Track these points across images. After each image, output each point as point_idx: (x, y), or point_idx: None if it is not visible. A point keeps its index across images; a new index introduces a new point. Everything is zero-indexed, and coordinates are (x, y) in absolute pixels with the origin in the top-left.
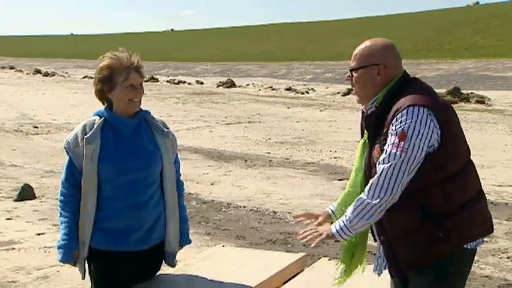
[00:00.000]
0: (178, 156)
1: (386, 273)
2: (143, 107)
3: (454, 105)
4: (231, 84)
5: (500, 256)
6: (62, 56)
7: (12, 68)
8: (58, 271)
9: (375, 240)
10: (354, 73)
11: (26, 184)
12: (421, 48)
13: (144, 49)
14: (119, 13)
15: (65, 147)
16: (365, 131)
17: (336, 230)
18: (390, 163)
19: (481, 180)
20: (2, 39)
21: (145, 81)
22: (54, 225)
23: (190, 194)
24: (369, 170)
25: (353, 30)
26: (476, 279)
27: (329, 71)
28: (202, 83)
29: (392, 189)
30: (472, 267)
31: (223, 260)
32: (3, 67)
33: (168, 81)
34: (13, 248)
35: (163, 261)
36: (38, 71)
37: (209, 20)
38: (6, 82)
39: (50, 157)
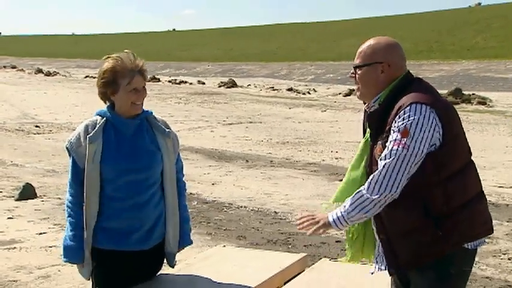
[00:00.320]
0: (181, 156)
1: (386, 273)
2: (144, 107)
3: (455, 106)
4: (233, 85)
5: (501, 257)
6: (64, 56)
7: (14, 67)
8: (59, 270)
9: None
10: (357, 70)
11: (28, 183)
12: (422, 49)
13: (146, 49)
14: (120, 13)
15: (67, 148)
16: (367, 129)
17: (333, 219)
18: (392, 159)
19: (482, 181)
20: (3, 38)
21: (147, 81)
22: (55, 224)
23: (191, 194)
24: (370, 167)
25: (355, 31)
26: (477, 281)
27: (330, 72)
28: (203, 83)
29: (393, 186)
30: (473, 269)
31: (224, 260)
32: (5, 66)
33: (169, 81)
34: (14, 247)
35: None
36: (39, 71)
37: (210, 20)
38: (8, 81)
39: (51, 156)
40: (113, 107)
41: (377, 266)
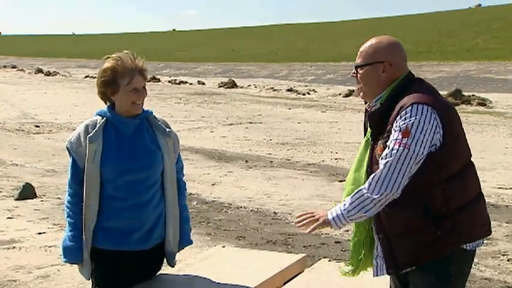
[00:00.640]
0: (181, 156)
1: (385, 273)
2: (145, 107)
3: (455, 108)
4: (233, 85)
5: (500, 259)
6: (64, 56)
7: (14, 67)
8: (59, 270)
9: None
10: (359, 70)
11: (27, 183)
12: (422, 50)
13: (146, 49)
14: (120, 13)
15: (67, 148)
16: (368, 129)
17: (333, 217)
18: (392, 158)
19: (482, 183)
20: (3, 38)
21: (147, 81)
22: (55, 224)
23: (191, 194)
24: (371, 167)
25: (355, 32)
26: (476, 282)
27: (330, 72)
28: (203, 84)
29: (394, 185)
30: (472, 270)
31: (223, 261)
32: (5, 66)
33: (169, 81)
34: (14, 247)
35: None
36: (39, 70)
37: (211, 21)
38: (8, 81)
39: (51, 156)
40: (113, 107)
41: (376, 267)
